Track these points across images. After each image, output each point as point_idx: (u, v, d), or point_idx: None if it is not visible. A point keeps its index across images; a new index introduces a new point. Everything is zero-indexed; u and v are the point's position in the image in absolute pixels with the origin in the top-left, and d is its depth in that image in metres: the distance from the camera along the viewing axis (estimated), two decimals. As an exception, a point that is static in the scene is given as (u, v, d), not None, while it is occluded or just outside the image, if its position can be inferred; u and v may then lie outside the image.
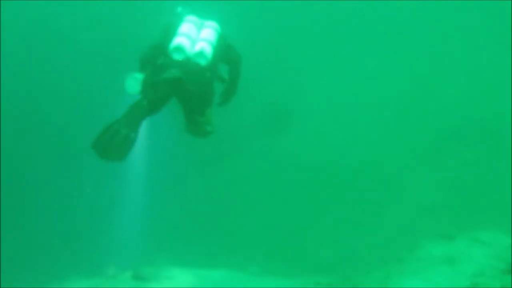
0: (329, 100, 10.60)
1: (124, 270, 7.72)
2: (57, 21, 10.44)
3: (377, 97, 10.22)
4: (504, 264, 6.01)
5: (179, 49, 4.11)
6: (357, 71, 10.98)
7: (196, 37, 4.20)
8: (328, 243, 8.08)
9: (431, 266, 6.64)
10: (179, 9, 4.49)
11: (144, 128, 4.20)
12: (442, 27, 10.97)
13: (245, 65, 4.61)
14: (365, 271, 6.82)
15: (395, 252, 7.44)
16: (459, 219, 7.65)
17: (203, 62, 4.13)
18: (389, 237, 7.78)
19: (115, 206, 9.15)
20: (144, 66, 4.33)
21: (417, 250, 7.28)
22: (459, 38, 10.67)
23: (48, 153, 9.43)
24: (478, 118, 8.88)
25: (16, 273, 6.88)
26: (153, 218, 8.78)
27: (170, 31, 4.23)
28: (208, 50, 4.15)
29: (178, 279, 7.47)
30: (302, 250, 7.96)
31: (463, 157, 8.72)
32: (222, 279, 7.45)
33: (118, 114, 4.00)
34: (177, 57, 4.12)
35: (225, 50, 4.40)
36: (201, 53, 4.12)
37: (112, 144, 3.90)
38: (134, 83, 4.14)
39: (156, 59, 4.30)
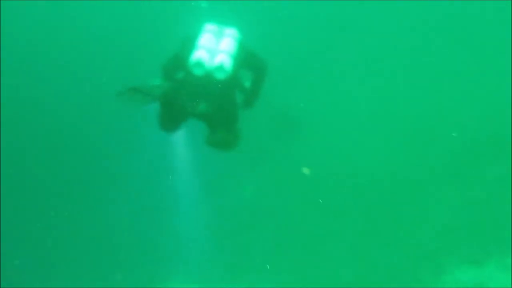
0: (349, 113, 10.36)
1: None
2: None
3: (401, 111, 9.89)
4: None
5: (199, 64, 4.20)
6: (376, 83, 10.70)
7: (215, 47, 4.25)
8: (346, 263, 7.85)
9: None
10: (204, 4, 4.59)
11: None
12: (471, 42, 10.73)
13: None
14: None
15: (418, 275, 7.13)
16: (486, 242, 7.24)
17: (222, 76, 4.22)
18: (410, 259, 7.44)
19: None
20: (166, 75, 4.52)
21: (443, 275, 6.92)
22: (486, 51, 10.34)
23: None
24: (506, 134, 8.44)
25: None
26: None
27: (190, 43, 4.31)
28: (228, 63, 4.22)
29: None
30: (319, 270, 7.74)
31: (489, 175, 8.26)
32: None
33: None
34: (197, 72, 4.22)
35: (247, 58, 4.43)
36: (220, 67, 4.19)
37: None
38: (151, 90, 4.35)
39: (176, 70, 4.46)
